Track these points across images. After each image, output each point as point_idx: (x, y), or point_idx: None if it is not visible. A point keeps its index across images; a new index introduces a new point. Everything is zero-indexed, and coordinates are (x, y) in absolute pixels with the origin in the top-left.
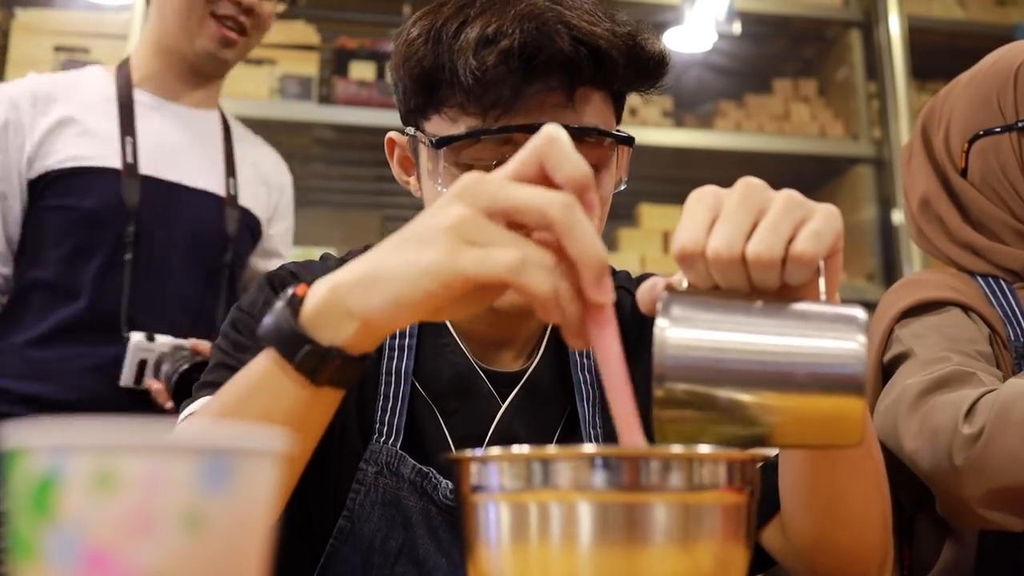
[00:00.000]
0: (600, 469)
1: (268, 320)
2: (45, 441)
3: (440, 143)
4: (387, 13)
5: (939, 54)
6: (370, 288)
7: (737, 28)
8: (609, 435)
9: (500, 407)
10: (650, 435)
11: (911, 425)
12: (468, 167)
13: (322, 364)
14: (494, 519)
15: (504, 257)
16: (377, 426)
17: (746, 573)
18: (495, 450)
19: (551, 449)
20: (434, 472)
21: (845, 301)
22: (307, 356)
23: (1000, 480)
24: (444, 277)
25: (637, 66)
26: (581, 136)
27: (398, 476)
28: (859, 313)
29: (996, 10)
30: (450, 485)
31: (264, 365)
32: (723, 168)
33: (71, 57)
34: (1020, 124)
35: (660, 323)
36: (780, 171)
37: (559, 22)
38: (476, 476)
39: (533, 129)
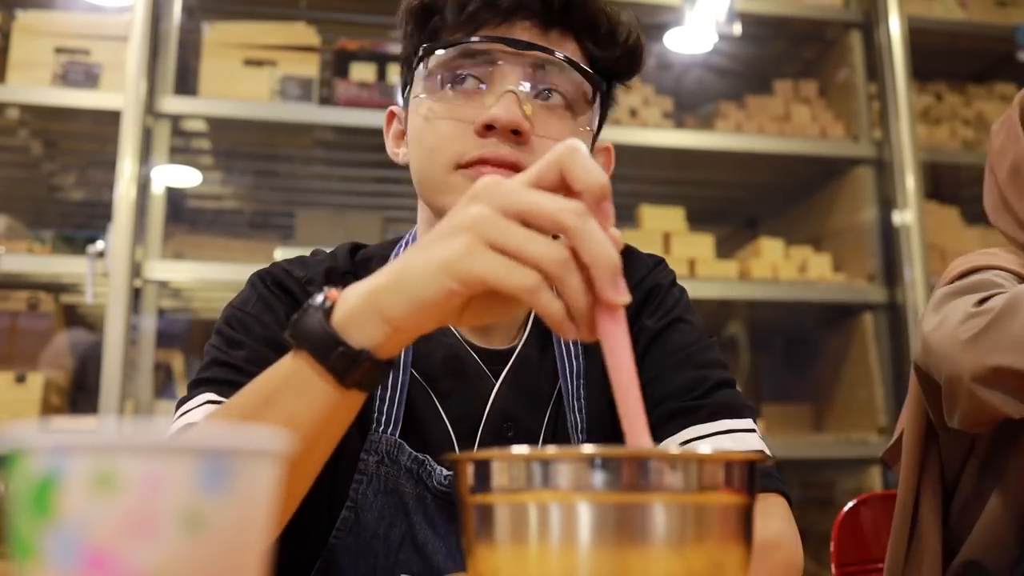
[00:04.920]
0: (600, 470)
1: (299, 322)
2: (45, 441)
3: (425, 51)
4: (388, 15)
5: (939, 55)
6: (397, 290)
7: (737, 29)
8: (592, 407)
9: (494, 385)
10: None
11: (933, 317)
12: (443, 83)
13: (353, 366)
14: (493, 519)
15: (522, 275)
16: (375, 416)
17: (746, 574)
18: (494, 451)
19: (551, 450)
20: (430, 460)
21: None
22: (340, 357)
23: (996, 358)
24: (461, 274)
25: (614, 29)
26: (550, 67)
27: (397, 464)
28: None
29: (996, 11)
30: (445, 472)
31: (293, 365)
32: (723, 169)
33: (72, 59)
34: None
35: None
36: (780, 172)
37: None
38: (475, 476)
39: (513, 43)
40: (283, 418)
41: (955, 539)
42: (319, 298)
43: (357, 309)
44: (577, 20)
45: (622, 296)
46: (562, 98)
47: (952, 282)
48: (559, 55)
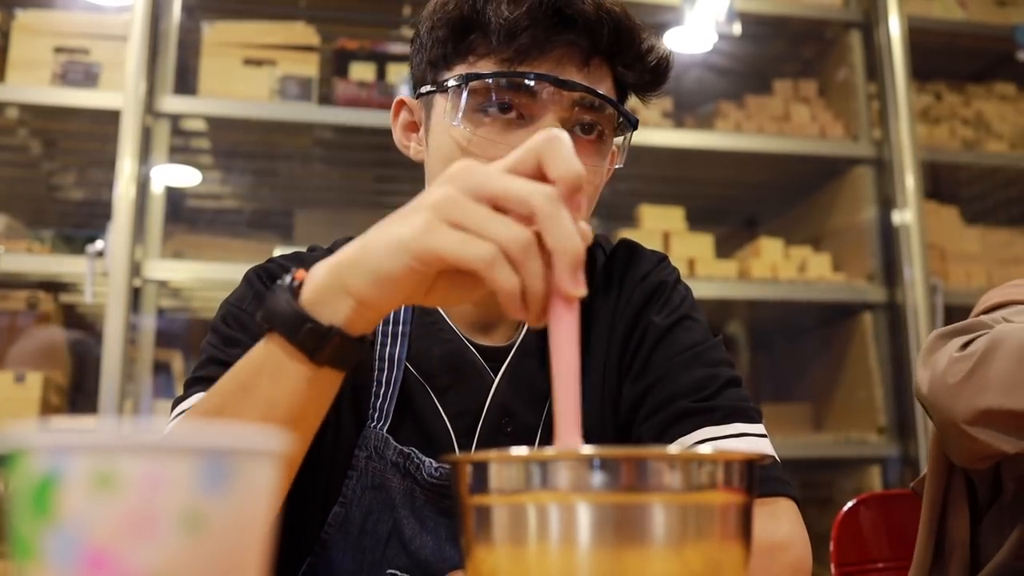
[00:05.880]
0: (598, 470)
1: (268, 303)
2: (45, 441)
3: (469, 78)
4: (387, 14)
5: (939, 55)
6: (359, 264)
7: (737, 29)
8: (587, 403)
9: (493, 381)
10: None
11: (924, 364)
12: (484, 112)
13: (322, 342)
14: (492, 520)
15: (479, 248)
16: (370, 412)
17: (745, 574)
18: (492, 452)
19: (549, 451)
20: (416, 453)
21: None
22: (308, 334)
23: (983, 400)
24: (418, 251)
25: (648, 54)
26: (590, 104)
27: (383, 459)
28: None
29: (996, 11)
30: (435, 464)
31: (265, 348)
32: (723, 169)
33: (71, 58)
34: None
35: None
36: (780, 172)
37: None
38: (474, 477)
39: (555, 81)
40: (260, 403)
41: (981, 554)
42: (287, 278)
43: (323, 286)
44: (620, 51)
45: (579, 288)
46: (596, 131)
47: (980, 315)
48: (602, 93)
